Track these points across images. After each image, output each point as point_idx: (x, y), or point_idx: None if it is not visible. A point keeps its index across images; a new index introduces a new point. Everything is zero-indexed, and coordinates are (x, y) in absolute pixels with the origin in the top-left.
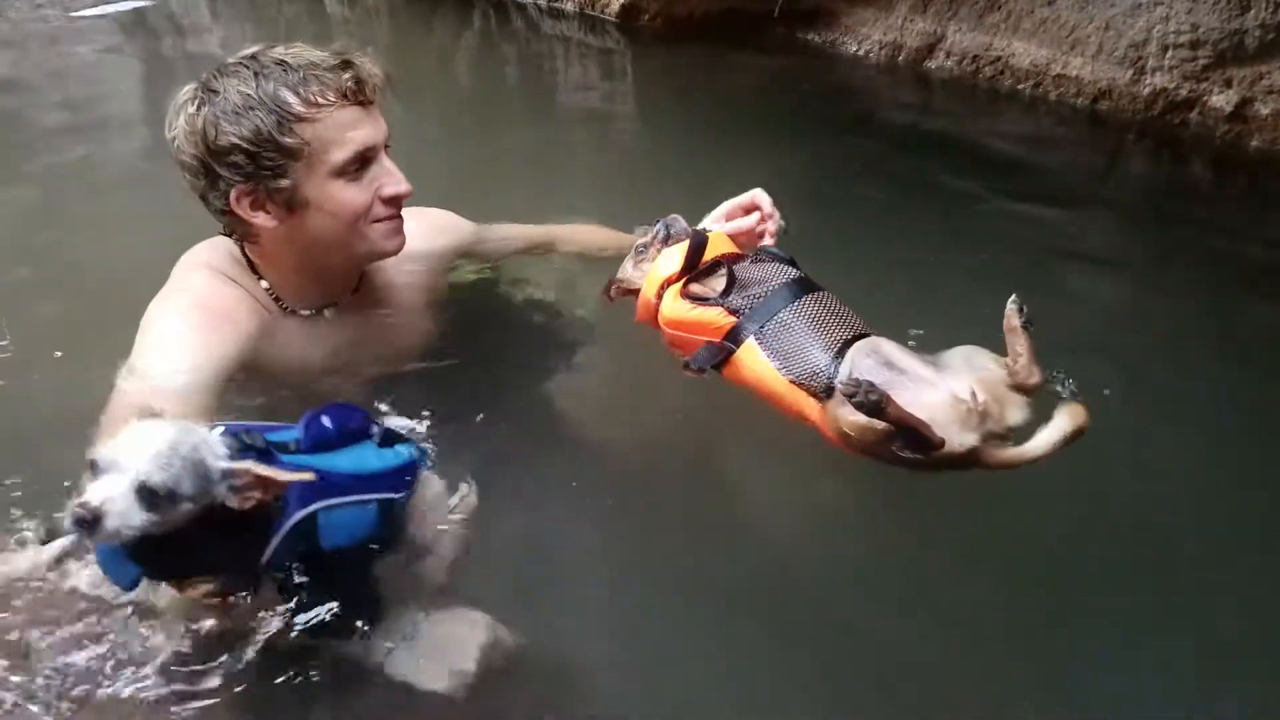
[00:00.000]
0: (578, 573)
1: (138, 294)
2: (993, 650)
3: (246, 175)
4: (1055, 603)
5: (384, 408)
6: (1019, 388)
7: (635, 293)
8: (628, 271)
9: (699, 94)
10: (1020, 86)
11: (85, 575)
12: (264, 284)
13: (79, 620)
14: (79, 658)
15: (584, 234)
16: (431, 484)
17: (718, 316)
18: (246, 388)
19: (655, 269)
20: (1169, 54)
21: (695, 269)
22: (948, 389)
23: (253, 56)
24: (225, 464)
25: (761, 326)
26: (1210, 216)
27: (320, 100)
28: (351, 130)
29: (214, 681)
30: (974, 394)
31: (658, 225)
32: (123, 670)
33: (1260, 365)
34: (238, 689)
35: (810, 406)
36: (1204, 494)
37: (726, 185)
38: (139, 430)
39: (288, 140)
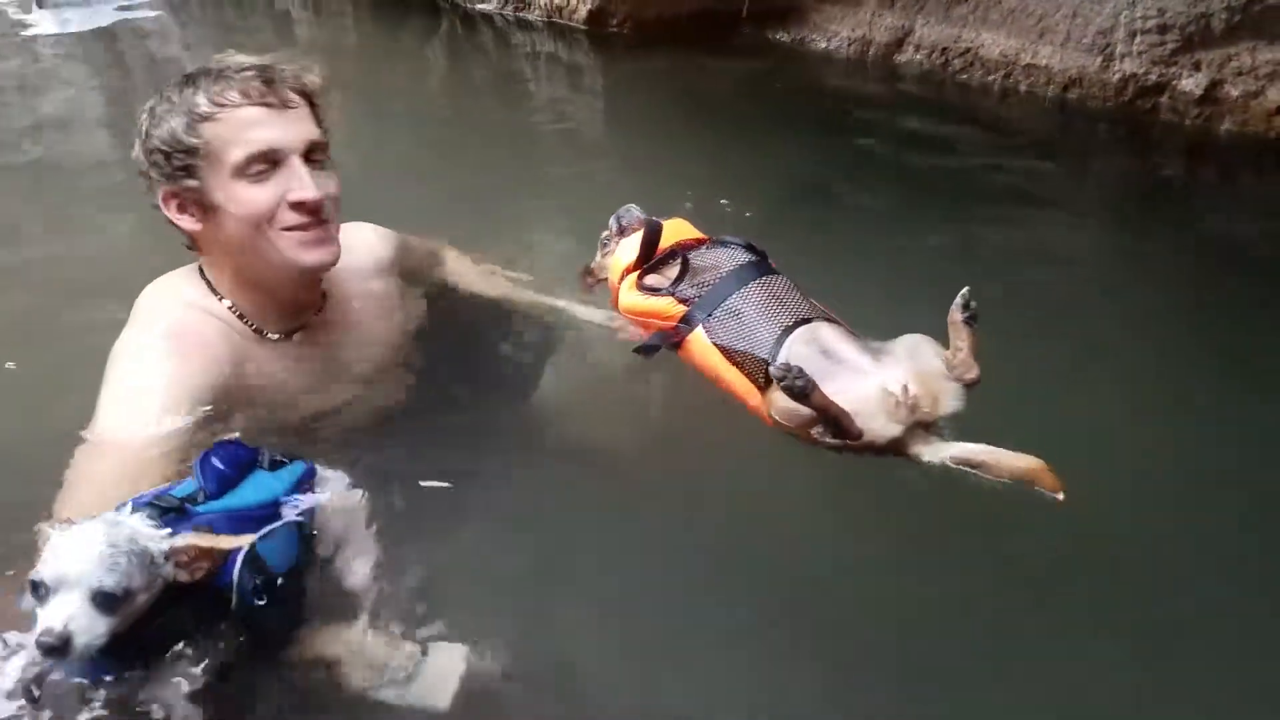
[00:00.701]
0: (570, 584)
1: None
2: (1019, 658)
3: (166, 176)
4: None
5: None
6: (957, 380)
7: (599, 282)
8: (597, 260)
9: (671, 99)
10: (990, 78)
11: None
12: (226, 303)
13: None
14: None
15: (468, 271)
16: (333, 485)
17: (668, 306)
18: (228, 418)
19: (616, 259)
20: (1137, 39)
21: (650, 259)
22: (879, 380)
23: (202, 66)
24: (166, 545)
25: (709, 314)
26: (1185, 201)
27: (222, 100)
28: (252, 130)
29: None
30: (905, 388)
31: (612, 217)
32: None
33: (1234, 348)
34: None
35: (751, 391)
36: (1180, 488)
37: (701, 188)
38: (70, 540)
39: (192, 140)
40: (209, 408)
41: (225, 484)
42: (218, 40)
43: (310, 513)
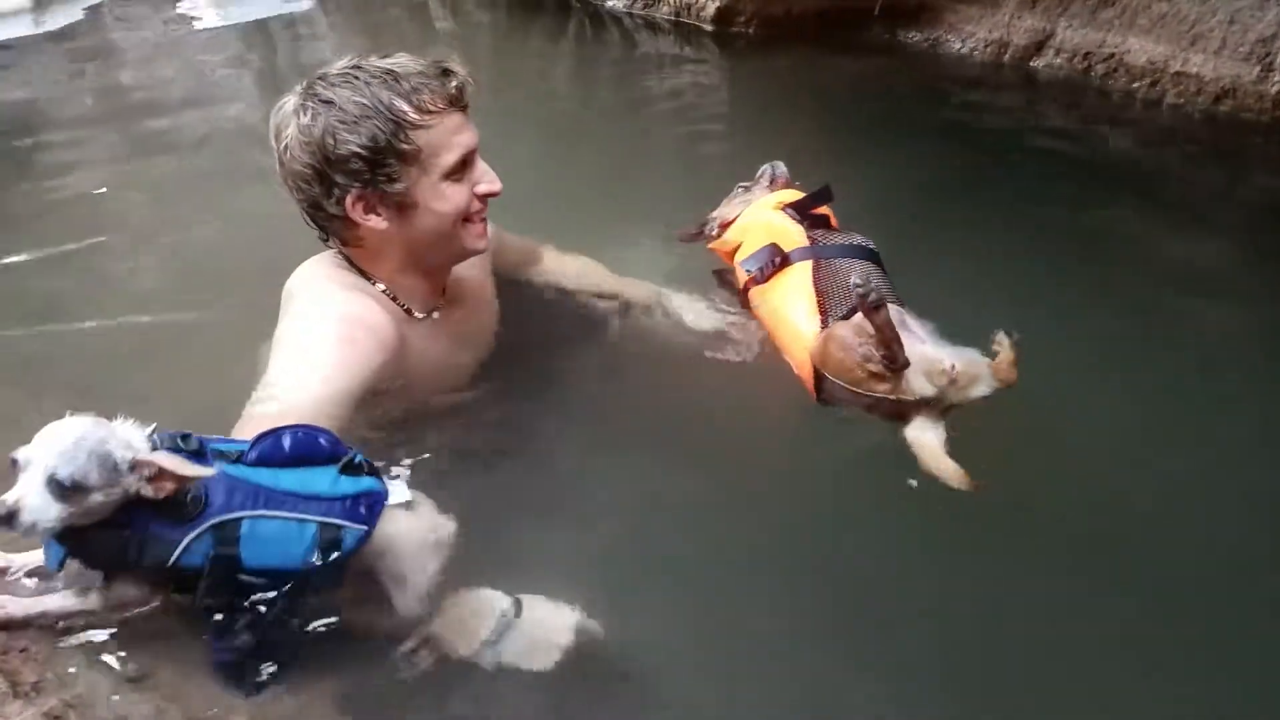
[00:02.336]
0: (663, 571)
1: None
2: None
3: (364, 181)
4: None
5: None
6: (996, 377)
7: (727, 226)
8: (721, 209)
9: (796, 97)
10: (1135, 85)
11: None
12: (380, 287)
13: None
14: None
15: (571, 263)
16: (406, 516)
17: (797, 235)
18: (382, 395)
19: (777, 196)
20: None
21: (809, 207)
22: (934, 352)
23: (357, 66)
24: (131, 455)
25: (821, 259)
26: None
27: (430, 108)
28: (457, 134)
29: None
30: (953, 365)
31: (763, 167)
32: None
33: None
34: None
35: (811, 336)
36: None
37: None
38: (51, 428)
39: (404, 146)
40: (370, 388)
41: (268, 460)
42: (362, 33)
43: (340, 532)
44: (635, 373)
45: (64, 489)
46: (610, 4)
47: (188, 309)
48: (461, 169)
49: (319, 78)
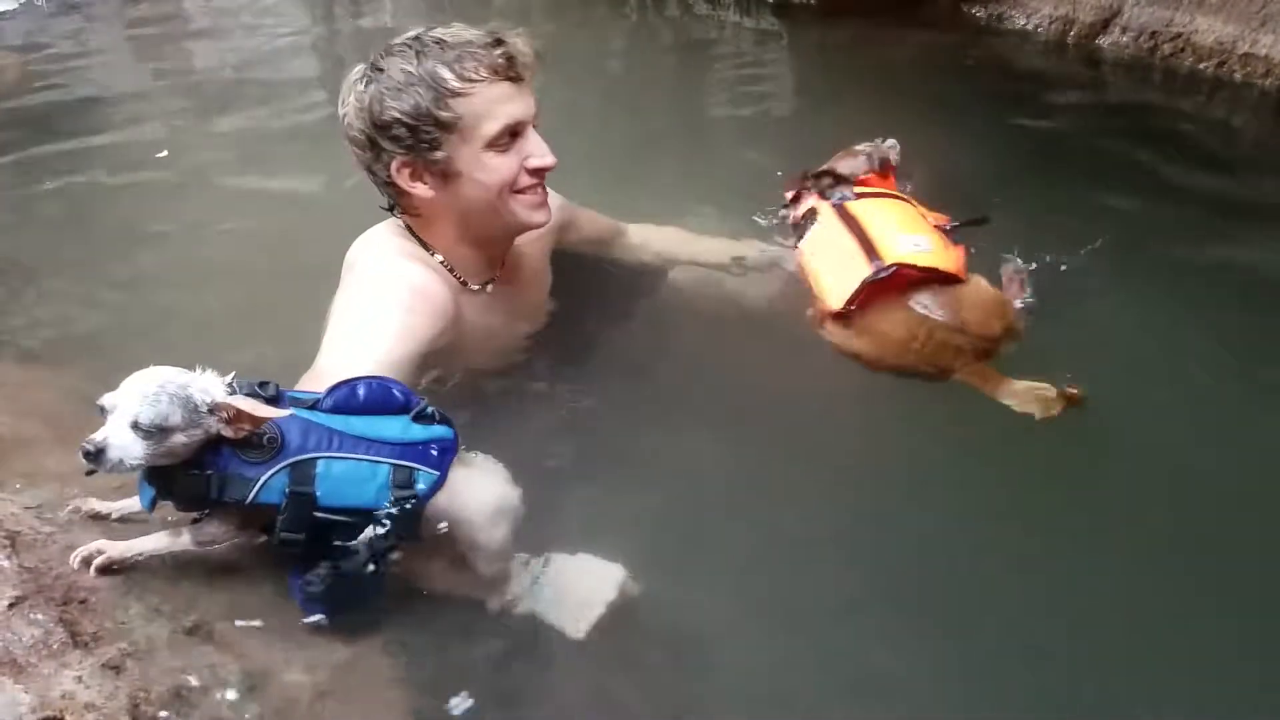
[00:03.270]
0: (709, 540)
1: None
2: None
3: (406, 147)
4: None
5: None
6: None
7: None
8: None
9: (857, 71)
10: (1202, 65)
11: None
12: (438, 258)
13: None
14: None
15: (658, 237)
16: (482, 481)
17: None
18: (438, 363)
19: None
20: None
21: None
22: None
23: (416, 37)
24: (210, 399)
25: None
26: None
27: (473, 76)
28: (502, 105)
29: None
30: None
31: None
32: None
33: None
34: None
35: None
36: None
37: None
38: (136, 375)
39: (443, 114)
40: (426, 354)
41: (343, 408)
42: (422, 2)
43: (412, 475)
44: (690, 344)
45: (148, 430)
46: None
47: (241, 274)
48: (509, 140)
49: (384, 48)
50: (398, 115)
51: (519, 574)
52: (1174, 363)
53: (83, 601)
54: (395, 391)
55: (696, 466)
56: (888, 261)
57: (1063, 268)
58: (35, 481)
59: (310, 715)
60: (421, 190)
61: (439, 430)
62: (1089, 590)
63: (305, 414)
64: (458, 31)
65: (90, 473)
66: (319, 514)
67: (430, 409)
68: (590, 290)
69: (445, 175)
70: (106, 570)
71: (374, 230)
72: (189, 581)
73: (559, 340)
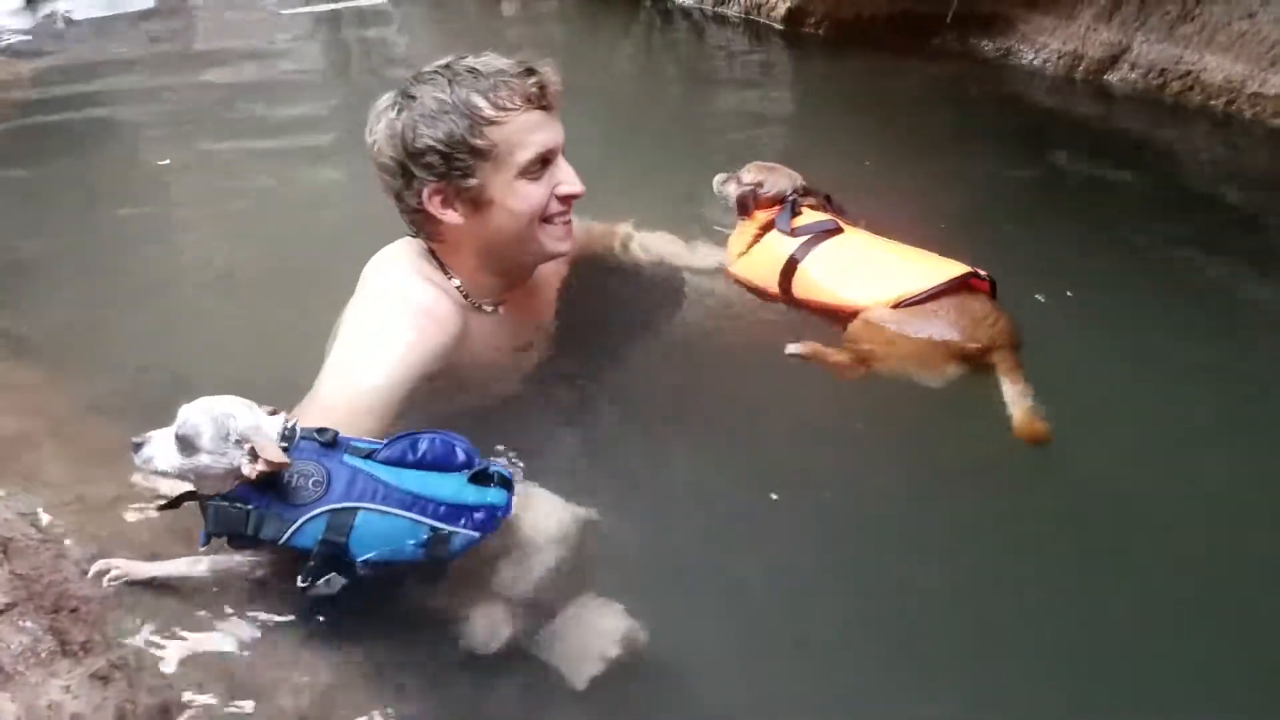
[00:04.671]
0: (712, 572)
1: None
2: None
3: (439, 175)
4: None
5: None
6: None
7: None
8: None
9: (863, 101)
10: (1211, 103)
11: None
12: (455, 282)
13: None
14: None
15: (654, 240)
16: (542, 509)
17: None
18: (442, 385)
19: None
20: None
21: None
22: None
23: (447, 65)
24: (241, 432)
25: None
26: None
27: (508, 105)
28: (534, 133)
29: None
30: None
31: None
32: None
33: None
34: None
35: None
36: None
37: (887, 194)
38: (210, 397)
39: (478, 142)
40: (429, 375)
41: (398, 461)
42: (432, 23)
43: (464, 540)
44: (698, 357)
45: (181, 441)
46: (681, 0)
47: (243, 283)
48: (540, 168)
49: (414, 76)
50: (431, 143)
51: (521, 613)
52: (1169, 395)
53: (73, 610)
54: (459, 450)
55: (698, 494)
56: (970, 269)
57: (1067, 293)
58: (32, 486)
59: None
60: (451, 217)
61: (492, 496)
62: (1115, 626)
63: (357, 462)
64: (490, 60)
65: (162, 507)
66: (347, 561)
67: (492, 469)
68: (595, 311)
69: (477, 203)
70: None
71: (393, 248)
72: (180, 598)
73: (570, 356)
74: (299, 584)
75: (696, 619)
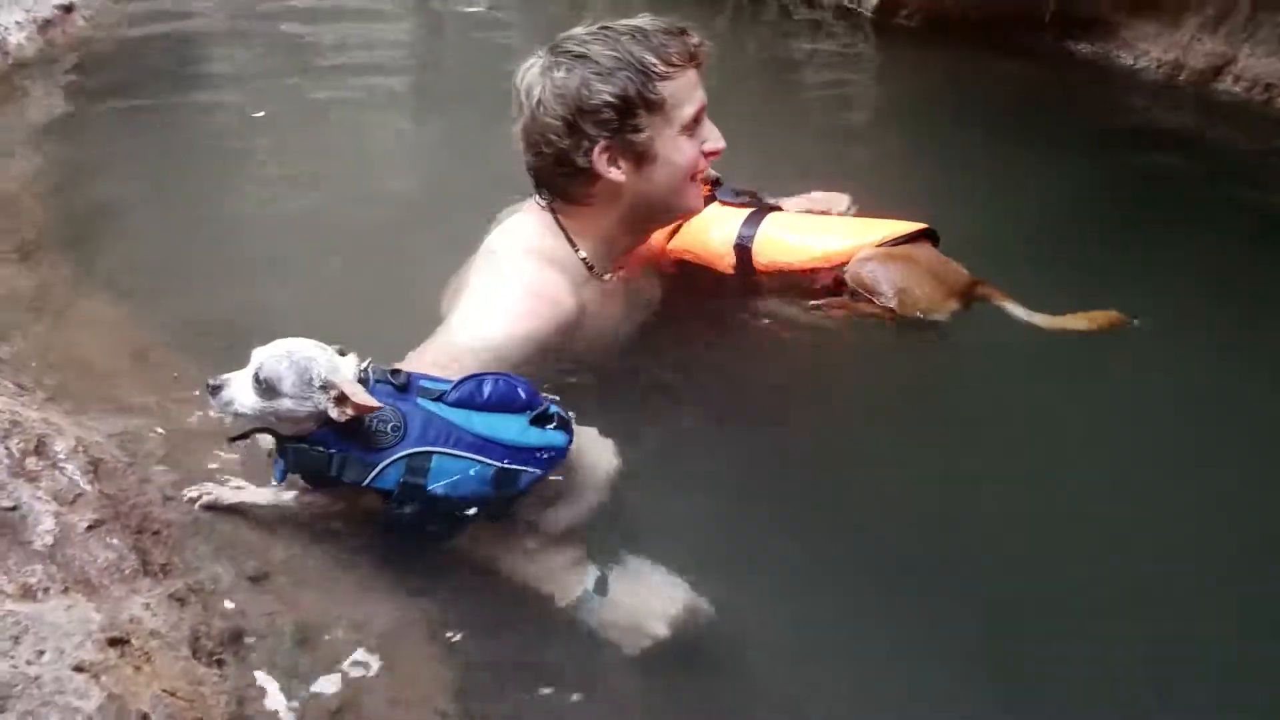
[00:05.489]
0: (776, 555)
1: None
2: None
3: (612, 130)
4: None
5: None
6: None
7: None
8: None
9: (952, 97)
10: None
11: None
12: (581, 254)
13: None
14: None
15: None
16: (604, 450)
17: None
18: (556, 353)
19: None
20: None
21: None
22: None
23: (606, 27)
24: (325, 376)
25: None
26: None
27: (675, 61)
28: (695, 90)
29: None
30: None
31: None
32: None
33: None
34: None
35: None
36: None
37: (965, 191)
38: (283, 340)
39: (652, 97)
40: (540, 352)
41: (466, 402)
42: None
43: (517, 476)
44: (783, 344)
45: (262, 385)
46: None
47: (326, 234)
48: (695, 125)
49: (566, 39)
50: (608, 98)
51: (578, 569)
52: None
53: (155, 533)
54: (520, 391)
55: (770, 476)
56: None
57: (1134, 321)
58: (120, 411)
59: (355, 674)
60: (615, 174)
61: (553, 438)
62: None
63: (430, 405)
64: (650, 20)
65: (233, 439)
66: (425, 499)
67: (552, 409)
68: (689, 286)
69: (642, 158)
70: (210, 508)
71: (519, 221)
72: (256, 531)
73: (662, 335)
74: (387, 509)
75: (755, 602)
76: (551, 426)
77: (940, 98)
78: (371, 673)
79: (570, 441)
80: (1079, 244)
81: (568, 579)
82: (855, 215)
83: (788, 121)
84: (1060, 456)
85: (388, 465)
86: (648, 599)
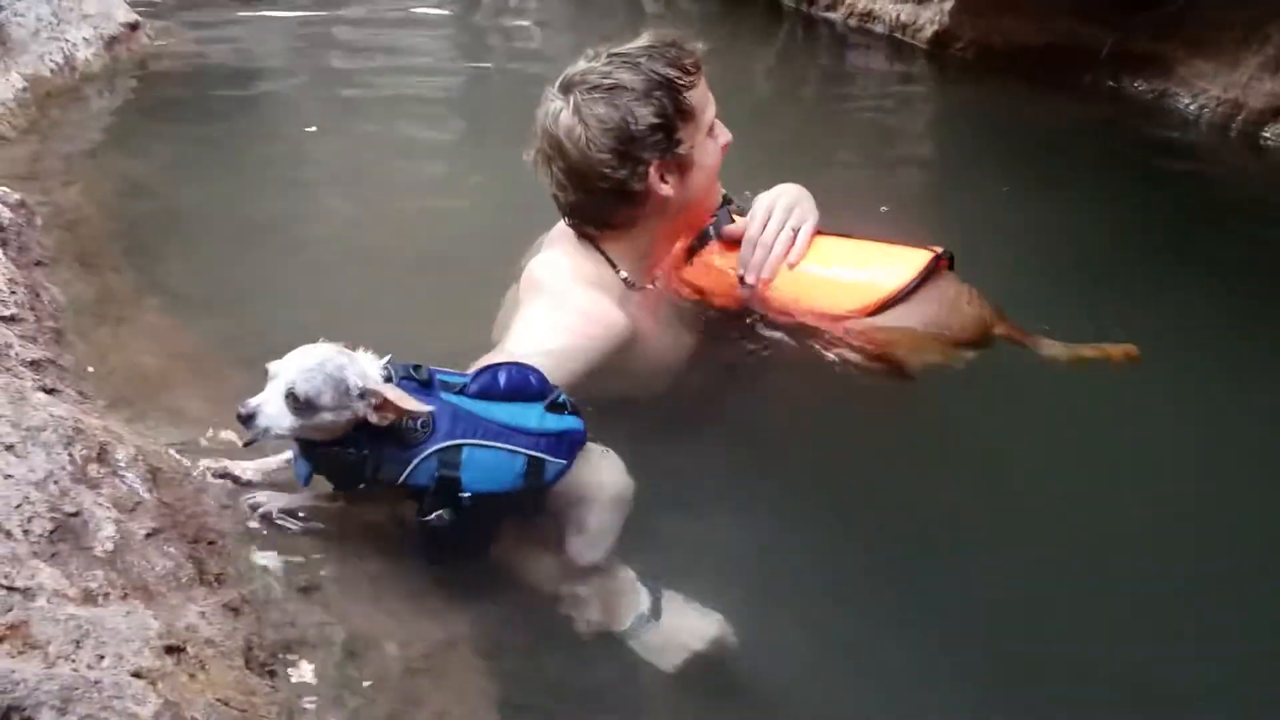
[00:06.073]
0: (806, 588)
1: None
2: None
3: (661, 149)
4: None
5: None
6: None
7: None
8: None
9: (998, 129)
10: None
11: None
12: (622, 274)
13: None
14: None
15: None
16: (609, 468)
17: None
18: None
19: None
20: None
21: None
22: None
23: (616, 54)
24: (362, 383)
25: None
26: None
27: (690, 69)
28: (708, 93)
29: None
30: None
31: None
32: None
33: None
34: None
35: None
36: None
37: (1007, 223)
38: (302, 349)
39: (685, 108)
40: (597, 370)
41: (486, 394)
42: (570, 15)
43: (544, 465)
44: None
45: (298, 403)
46: (826, 13)
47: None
48: (713, 125)
49: (584, 74)
50: (653, 120)
51: (628, 594)
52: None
53: (211, 543)
54: (532, 379)
55: (789, 502)
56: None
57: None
58: (177, 421)
59: (402, 688)
60: (665, 190)
61: (570, 422)
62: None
63: (452, 399)
64: (651, 36)
65: (248, 443)
66: (461, 496)
67: (563, 398)
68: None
69: (684, 169)
70: (269, 519)
71: (557, 251)
72: (308, 542)
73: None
74: (417, 517)
75: (783, 630)
76: (565, 412)
77: (988, 129)
78: (420, 687)
79: (584, 425)
80: (1115, 282)
81: (620, 604)
82: (863, 239)
83: (834, 147)
84: (1098, 479)
85: (421, 461)
86: (685, 618)
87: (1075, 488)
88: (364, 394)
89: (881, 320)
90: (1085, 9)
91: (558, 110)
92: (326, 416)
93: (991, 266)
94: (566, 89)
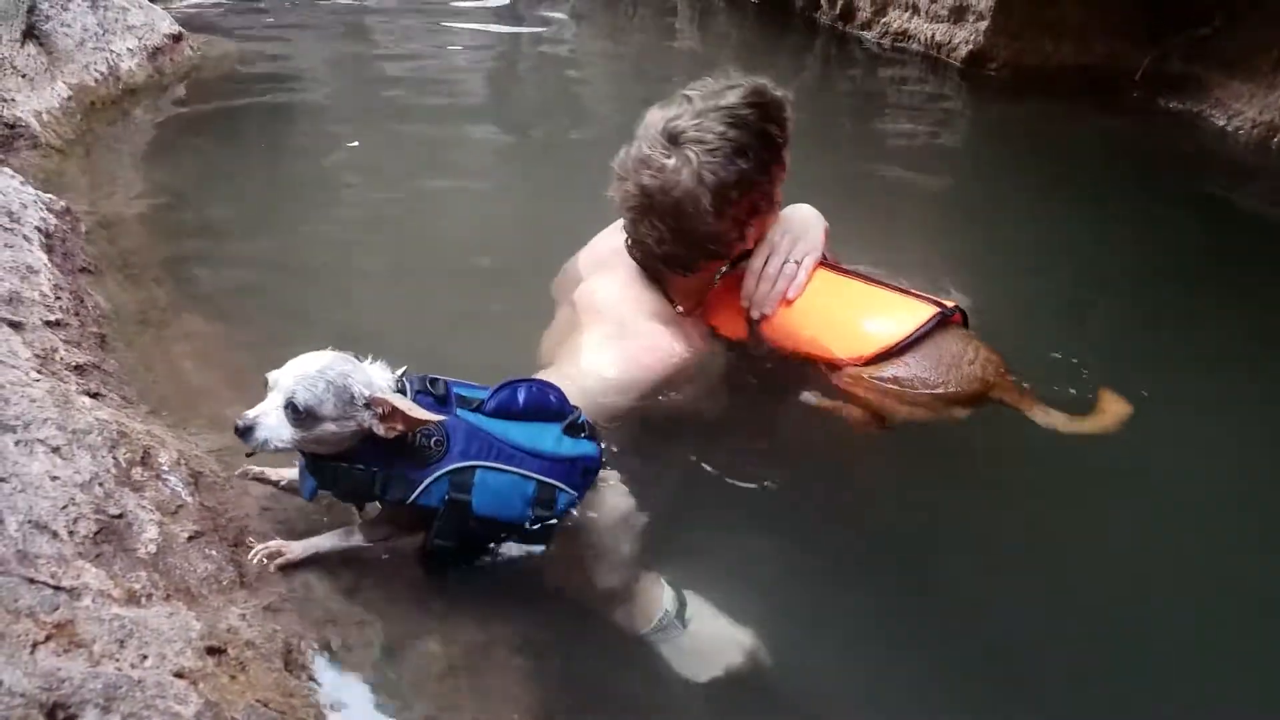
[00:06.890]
0: (832, 605)
1: None
2: None
3: (766, 210)
4: None
5: None
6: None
7: None
8: None
9: (1031, 148)
10: None
11: None
12: (678, 308)
13: None
14: None
15: None
16: (611, 494)
17: None
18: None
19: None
20: None
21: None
22: None
23: (718, 107)
24: (369, 394)
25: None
26: None
27: (789, 121)
28: None
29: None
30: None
31: None
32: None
33: None
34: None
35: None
36: None
37: (1038, 243)
38: (302, 357)
39: (784, 162)
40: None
41: (504, 412)
42: (607, 40)
43: (556, 492)
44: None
45: (299, 414)
46: (862, 32)
47: (415, 265)
48: None
49: (694, 133)
50: (767, 186)
51: (658, 602)
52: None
53: (251, 546)
54: (552, 397)
55: (808, 525)
56: (950, 305)
57: (1143, 392)
58: (217, 427)
59: (441, 687)
60: (753, 234)
61: (586, 447)
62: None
63: (469, 416)
64: (747, 86)
65: (250, 454)
66: (471, 522)
67: (582, 419)
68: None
69: (770, 210)
70: (286, 567)
71: (616, 277)
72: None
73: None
74: (427, 544)
75: (812, 647)
76: (583, 436)
77: (1021, 147)
78: (457, 689)
79: (601, 452)
80: (1149, 301)
81: (647, 603)
82: (874, 284)
83: (869, 167)
84: (1121, 498)
85: (432, 482)
86: (718, 627)
87: (1102, 510)
88: (370, 404)
89: (875, 371)
90: (1121, 30)
91: (675, 169)
92: (329, 427)
93: (1027, 283)
94: (675, 141)
